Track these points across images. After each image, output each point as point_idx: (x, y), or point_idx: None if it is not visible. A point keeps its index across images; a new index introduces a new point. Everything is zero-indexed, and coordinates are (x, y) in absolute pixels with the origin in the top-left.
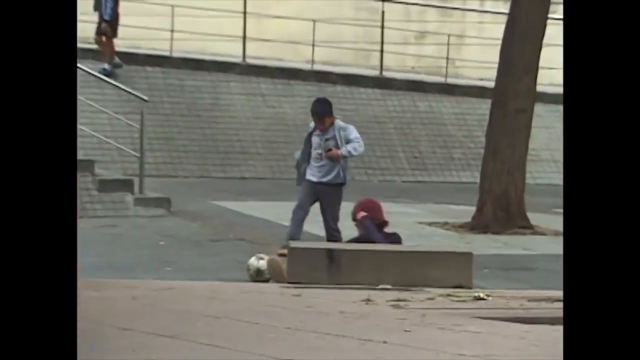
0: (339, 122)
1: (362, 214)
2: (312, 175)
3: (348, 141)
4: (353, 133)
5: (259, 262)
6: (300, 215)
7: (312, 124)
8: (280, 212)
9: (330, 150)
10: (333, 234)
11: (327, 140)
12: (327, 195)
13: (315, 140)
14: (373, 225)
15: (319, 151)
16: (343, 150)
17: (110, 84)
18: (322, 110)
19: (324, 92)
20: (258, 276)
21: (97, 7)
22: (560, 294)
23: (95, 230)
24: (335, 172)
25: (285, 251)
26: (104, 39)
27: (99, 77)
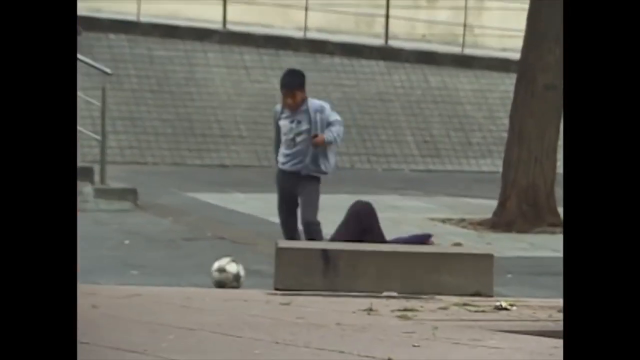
0: (313, 102)
1: None
2: (283, 163)
3: (329, 124)
4: (333, 114)
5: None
6: (290, 227)
7: (278, 106)
8: (267, 205)
9: (316, 135)
10: (312, 227)
11: (298, 122)
12: (301, 186)
13: (284, 123)
14: None
15: (290, 136)
16: (328, 135)
17: None
18: (295, 82)
19: (319, 65)
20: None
21: None
22: None
23: None
24: (311, 159)
25: None
26: None
27: None
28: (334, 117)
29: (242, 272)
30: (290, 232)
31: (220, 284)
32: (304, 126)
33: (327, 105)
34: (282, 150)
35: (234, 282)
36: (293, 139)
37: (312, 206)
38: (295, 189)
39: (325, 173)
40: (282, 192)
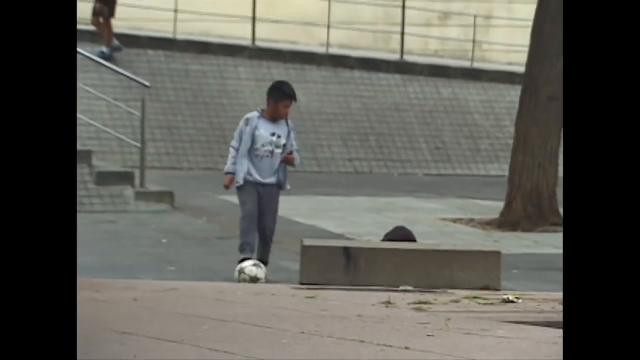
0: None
1: None
2: (258, 175)
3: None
4: (295, 142)
5: (257, 270)
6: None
7: (252, 115)
8: (293, 207)
9: (291, 153)
10: (272, 234)
11: (279, 137)
12: (272, 196)
13: (262, 134)
14: None
15: (270, 148)
16: (297, 159)
17: (110, 68)
18: (295, 94)
19: (340, 78)
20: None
21: None
22: None
23: (93, 227)
24: (282, 171)
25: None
26: (101, 20)
27: (98, 61)
28: (295, 145)
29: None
30: (253, 230)
31: (258, 266)
32: (283, 141)
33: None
34: (256, 162)
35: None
36: (272, 152)
37: (275, 215)
38: (264, 198)
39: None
40: (254, 195)
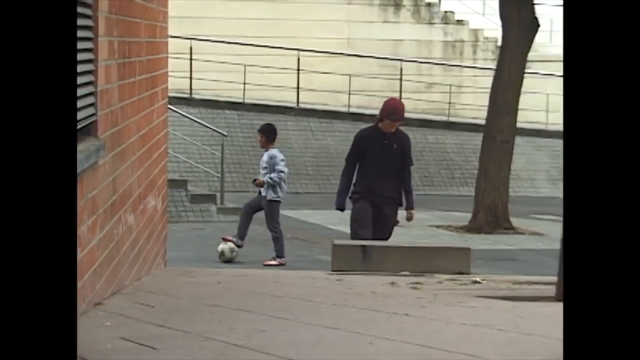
0: (272, 151)
1: None
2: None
3: (274, 170)
4: (280, 164)
5: (224, 244)
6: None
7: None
8: (324, 218)
9: (255, 179)
10: (271, 231)
11: (261, 161)
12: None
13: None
14: None
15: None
16: (265, 178)
17: (200, 123)
18: (261, 129)
19: (357, 128)
20: (221, 257)
21: None
22: (537, 278)
23: (188, 232)
24: (266, 188)
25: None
26: None
27: (191, 119)
28: (280, 166)
29: (223, 248)
30: (245, 216)
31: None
32: (263, 165)
33: (279, 156)
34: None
35: (222, 255)
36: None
37: (268, 218)
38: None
39: (273, 199)
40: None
